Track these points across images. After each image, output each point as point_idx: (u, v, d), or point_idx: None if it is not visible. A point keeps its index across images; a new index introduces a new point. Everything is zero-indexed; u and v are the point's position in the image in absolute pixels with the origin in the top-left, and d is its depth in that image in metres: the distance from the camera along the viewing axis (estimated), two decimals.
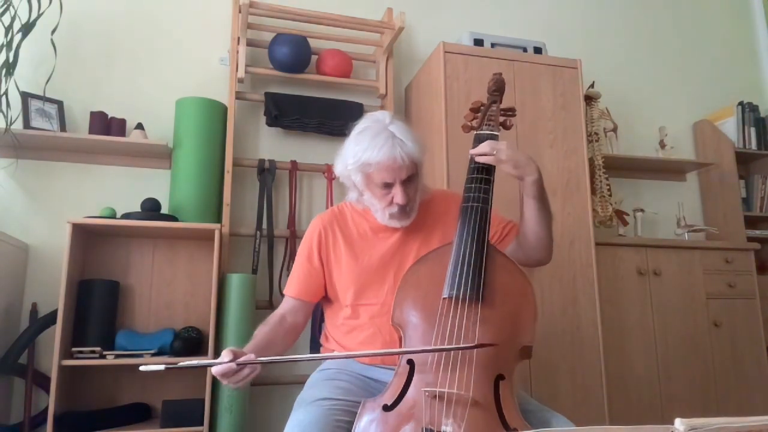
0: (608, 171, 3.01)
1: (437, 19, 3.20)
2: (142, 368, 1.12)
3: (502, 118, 1.53)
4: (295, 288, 1.49)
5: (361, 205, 1.51)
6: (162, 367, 1.12)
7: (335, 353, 1.43)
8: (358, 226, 1.51)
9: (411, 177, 1.40)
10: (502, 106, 1.54)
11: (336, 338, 1.47)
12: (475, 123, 1.51)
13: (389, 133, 1.37)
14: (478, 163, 1.40)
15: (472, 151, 1.40)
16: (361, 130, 1.41)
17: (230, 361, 1.14)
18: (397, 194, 1.38)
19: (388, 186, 1.38)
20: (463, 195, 1.39)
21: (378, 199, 1.41)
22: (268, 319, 1.44)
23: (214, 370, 1.16)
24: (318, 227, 1.51)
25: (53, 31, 2.36)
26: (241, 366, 1.15)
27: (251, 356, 1.17)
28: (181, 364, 1.15)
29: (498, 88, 1.55)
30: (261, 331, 1.39)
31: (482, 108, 1.52)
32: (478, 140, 1.45)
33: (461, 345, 1.17)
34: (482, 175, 1.39)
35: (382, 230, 1.48)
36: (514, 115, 1.56)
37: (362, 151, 1.36)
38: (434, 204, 1.54)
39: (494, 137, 1.44)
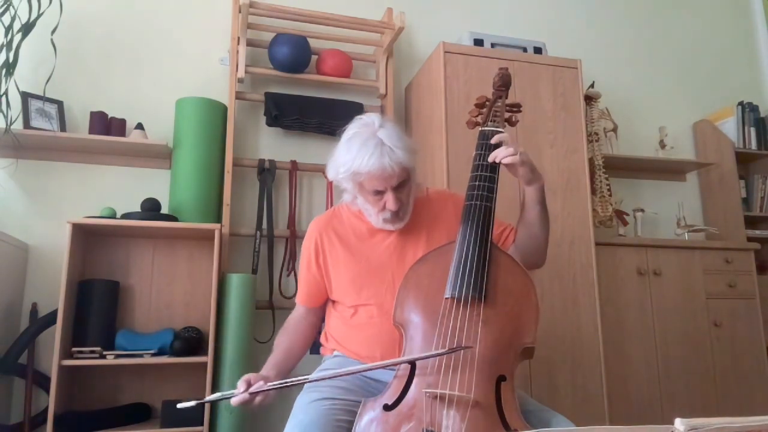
0: (608, 171, 3.01)
1: (437, 19, 3.20)
2: (179, 406, 1.24)
3: (507, 114, 1.50)
4: (304, 297, 1.56)
5: (356, 207, 1.51)
6: (193, 403, 1.23)
7: (334, 371, 1.33)
8: (355, 227, 1.51)
9: (402, 182, 1.39)
10: (508, 101, 1.51)
11: (336, 338, 1.47)
12: (480, 119, 1.48)
13: (378, 140, 1.34)
14: (483, 161, 1.38)
15: (497, 152, 1.34)
16: (351, 136, 1.39)
17: (244, 392, 1.25)
18: (389, 201, 1.37)
19: (379, 193, 1.38)
20: (467, 193, 1.38)
21: (371, 204, 1.41)
22: (287, 324, 1.55)
23: (233, 401, 1.26)
24: (314, 234, 1.52)
25: (53, 31, 2.35)
26: (255, 394, 1.25)
27: (260, 384, 1.27)
28: (207, 399, 1.31)
29: (504, 84, 1.52)
30: (280, 341, 1.49)
31: (487, 103, 1.50)
32: (483, 137, 1.42)
33: (454, 347, 1.17)
34: (487, 173, 1.37)
35: (379, 231, 1.48)
36: (520, 111, 1.53)
37: (351, 160, 1.35)
38: (431, 203, 1.54)
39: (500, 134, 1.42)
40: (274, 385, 1.26)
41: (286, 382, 1.28)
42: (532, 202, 1.42)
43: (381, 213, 1.41)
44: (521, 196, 1.48)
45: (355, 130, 1.41)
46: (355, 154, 1.35)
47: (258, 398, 1.26)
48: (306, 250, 1.53)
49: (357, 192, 1.42)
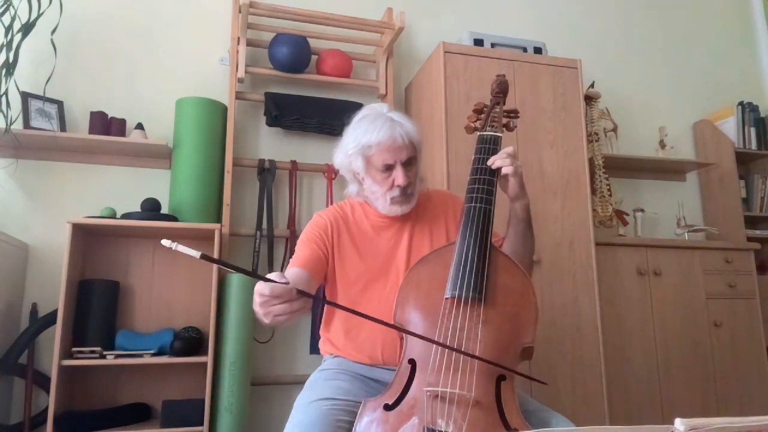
0: (608, 171, 3.01)
1: (437, 19, 3.20)
2: (165, 243, 0.92)
3: (505, 120, 1.54)
4: (300, 261, 1.39)
5: (361, 198, 1.51)
6: (197, 254, 0.92)
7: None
8: (360, 224, 1.51)
9: (411, 160, 1.42)
10: (505, 107, 1.55)
11: (335, 343, 1.47)
12: (478, 124, 1.52)
13: (388, 117, 1.41)
14: (482, 164, 1.40)
15: (496, 158, 1.37)
16: (360, 117, 1.45)
17: (287, 284, 1.00)
18: (398, 176, 1.39)
19: (389, 168, 1.40)
20: (466, 195, 1.39)
21: (379, 184, 1.42)
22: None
23: (265, 290, 1.00)
24: (325, 220, 1.49)
25: (53, 31, 2.36)
26: (299, 296, 1.02)
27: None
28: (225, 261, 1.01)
29: (501, 90, 1.56)
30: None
31: (485, 109, 1.53)
32: (482, 141, 1.45)
33: (468, 351, 1.16)
34: (486, 176, 1.38)
35: (383, 228, 1.49)
36: (517, 117, 1.57)
37: (362, 134, 1.39)
38: (432, 202, 1.55)
39: (498, 139, 1.45)
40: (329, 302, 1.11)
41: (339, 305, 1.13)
42: (517, 219, 1.43)
43: (389, 192, 1.41)
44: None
45: (364, 113, 1.46)
46: (365, 128, 1.40)
47: (299, 303, 1.03)
48: (313, 230, 1.46)
49: (365, 172, 1.43)
